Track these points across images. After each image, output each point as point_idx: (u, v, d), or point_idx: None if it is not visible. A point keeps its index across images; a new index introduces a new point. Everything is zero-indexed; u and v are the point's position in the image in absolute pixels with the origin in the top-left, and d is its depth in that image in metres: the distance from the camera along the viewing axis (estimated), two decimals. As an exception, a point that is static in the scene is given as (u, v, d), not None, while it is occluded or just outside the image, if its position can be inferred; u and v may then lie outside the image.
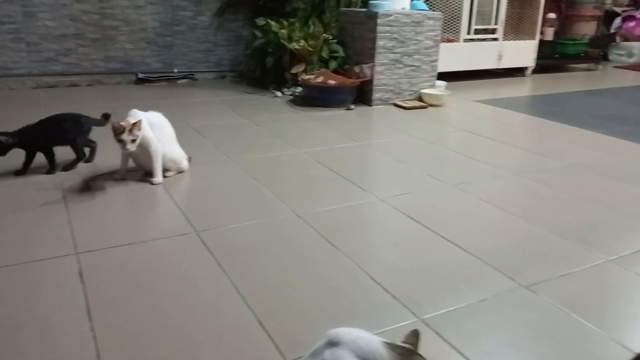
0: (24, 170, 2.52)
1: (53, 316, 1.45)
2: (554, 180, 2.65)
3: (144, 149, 2.38)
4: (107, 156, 2.66)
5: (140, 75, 4.86)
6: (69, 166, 2.61)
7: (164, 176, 2.50)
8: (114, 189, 2.38)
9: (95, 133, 2.70)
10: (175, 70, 5.08)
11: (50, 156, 2.56)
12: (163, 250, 1.85)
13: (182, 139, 3.12)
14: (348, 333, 1.07)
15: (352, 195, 2.41)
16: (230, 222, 2.08)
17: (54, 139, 2.58)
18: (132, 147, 2.23)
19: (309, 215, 2.15)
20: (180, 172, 2.60)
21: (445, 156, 3.07)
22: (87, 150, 2.72)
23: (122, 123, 2.22)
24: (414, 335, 1.10)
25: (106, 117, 2.67)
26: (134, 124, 2.22)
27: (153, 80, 4.87)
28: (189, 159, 2.65)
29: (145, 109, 2.49)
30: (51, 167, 2.56)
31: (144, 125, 2.32)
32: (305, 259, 1.82)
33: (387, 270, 1.75)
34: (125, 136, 2.20)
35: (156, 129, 2.47)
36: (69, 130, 2.60)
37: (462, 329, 1.47)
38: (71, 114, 2.67)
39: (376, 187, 2.50)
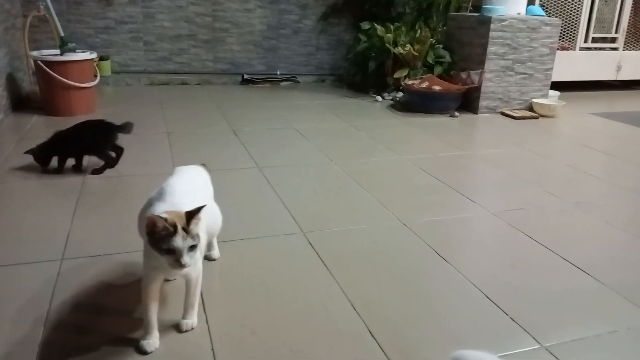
0: (61, 169, 2.52)
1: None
2: (691, 205, 2.38)
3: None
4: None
5: (246, 77, 5.01)
6: (96, 171, 2.53)
7: (212, 258, 1.75)
8: (223, 181, 2.43)
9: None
10: (278, 73, 5.19)
11: (80, 161, 2.56)
12: (273, 248, 1.86)
13: (288, 142, 3.19)
14: (476, 357, 1.00)
15: (461, 207, 2.31)
16: (335, 225, 2.06)
17: (84, 145, 2.53)
18: (190, 263, 1.20)
19: (416, 225, 2.08)
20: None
21: (561, 171, 2.87)
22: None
23: (165, 216, 1.18)
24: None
25: (130, 125, 2.59)
26: (192, 215, 1.21)
27: (257, 81, 5.01)
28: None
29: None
30: (78, 167, 2.56)
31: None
32: (415, 271, 1.75)
33: (504, 291, 1.64)
34: (181, 242, 1.17)
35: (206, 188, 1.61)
36: (96, 137, 2.54)
37: (590, 361, 1.34)
38: (99, 120, 2.60)
39: (487, 200, 2.37)
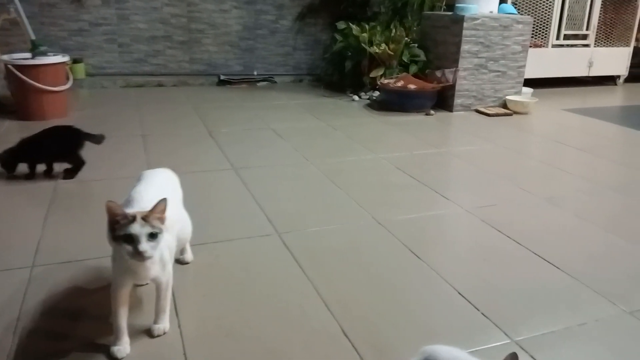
0: (32, 175, 2.48)
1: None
2: (658, 198, 2.45)
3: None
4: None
5: (223, 77, 4.99)
6: (68, 175, 2.49)
7: (185, 262, 1.74)
8: (199, 183, 2.43)
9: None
10: (255, 73, 5.18)
11: (50, 166, 2.52)
12: (248, 250, 1.86)
13: (264, 142, 3.19)
14: (446, 352, 1.02)
15: (435, 204, 2.33)
16: (310, 225, 2.07)
17: (51, 152, 2.48)
18: (151, 253, 1.19)
19: (391, 223, 2.10)
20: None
21: (533, 167, 2.92)
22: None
23: (124, 210, 1.21)
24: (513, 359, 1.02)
25: (101, 136, 2.56)
26: (155, 207, 1.21)
27: (234, 82, 4.99)
28: None
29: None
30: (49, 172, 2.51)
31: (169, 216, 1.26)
32: (388, 269, 1.76)
33: (476, 286, 1.67)
34: (139, 228, 1.17)
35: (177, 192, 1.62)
36: (62, 144, 2.49)
37: (558, 353, 1.37)
38: (67, 126, 2.54)
39: (460, 197, 2.40)
